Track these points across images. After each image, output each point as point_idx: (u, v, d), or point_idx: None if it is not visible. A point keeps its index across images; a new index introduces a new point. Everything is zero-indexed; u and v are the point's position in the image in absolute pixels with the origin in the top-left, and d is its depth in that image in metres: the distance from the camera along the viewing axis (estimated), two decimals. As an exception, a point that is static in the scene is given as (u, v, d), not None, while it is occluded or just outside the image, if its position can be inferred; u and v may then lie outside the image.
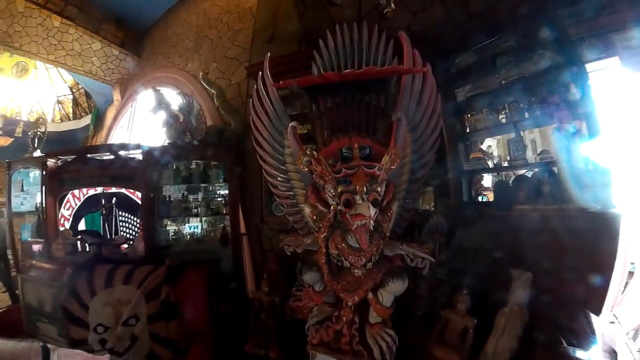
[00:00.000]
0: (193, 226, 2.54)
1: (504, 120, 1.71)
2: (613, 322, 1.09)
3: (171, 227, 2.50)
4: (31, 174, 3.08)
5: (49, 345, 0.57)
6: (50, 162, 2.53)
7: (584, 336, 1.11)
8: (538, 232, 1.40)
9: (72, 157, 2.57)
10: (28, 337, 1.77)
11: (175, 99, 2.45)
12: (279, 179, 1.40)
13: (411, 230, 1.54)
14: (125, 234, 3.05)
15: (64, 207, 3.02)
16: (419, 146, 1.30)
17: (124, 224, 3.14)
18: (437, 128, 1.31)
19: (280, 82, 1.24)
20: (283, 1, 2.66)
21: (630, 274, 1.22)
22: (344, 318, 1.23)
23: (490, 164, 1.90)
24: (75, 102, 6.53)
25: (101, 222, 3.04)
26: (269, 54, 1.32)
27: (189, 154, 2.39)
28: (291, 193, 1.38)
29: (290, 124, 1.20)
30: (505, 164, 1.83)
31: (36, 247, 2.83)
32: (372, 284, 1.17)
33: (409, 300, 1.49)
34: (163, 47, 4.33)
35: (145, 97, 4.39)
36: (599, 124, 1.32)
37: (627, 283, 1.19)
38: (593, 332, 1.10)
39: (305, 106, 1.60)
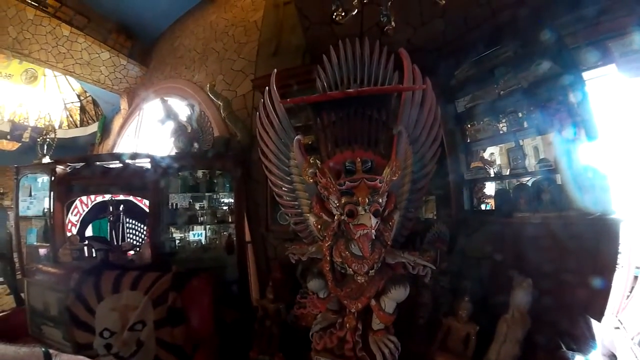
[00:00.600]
0: (199, 234, 2.59)
1: (504, 129, 1.73)
2: (618, 328, 1.10)
3: (177, 235, 2.55)
4: (39, 180, 3.15)
5: (50, 351, 0.56)
6: (59, 168, 2.59)
7: (583, 341, 1.12)
8: (538, 238, 1.41)
9: (81, 164, 2.64)
10: (32, 339, 1.80)
11: (183, 110, 2.53)
12: (284, 189, 1.45)
13: (413, 239, 1.57)
14: (132, 241, 3.10)
15: (72, 213, 3.08)
16: (419, 157, 1.35)
17: (131, 230, 3.20)
18: (438, 139, 1.36)
19: (288, 99, 1.30)
20: (287, 15, 2.75)
21: (635, 278, 1.24)
22: (347, 325, 1.26)
23: (491, 172, 1.91)
24: (83, 110, 6.66)
25: (108, 228, 3.10)
26: (275, 70, 1.39)
27: (196, 163, 2.46)
28: (296, 203, 1.42)
29: (295, 137, 1.26)
30: (507, 172, 1.85)
31: (42, 251, 2.87)
32: (374, 291, 1.20)
33: (411, 308, 1.51)
34: (170, 58, 4.44)
35: (152, 107, 4.49)
36: (597, 131, 1.34)
37: (632, 288, 1.20)
38: (593, 337, 1.11)
39: (309, 118, 1.66)
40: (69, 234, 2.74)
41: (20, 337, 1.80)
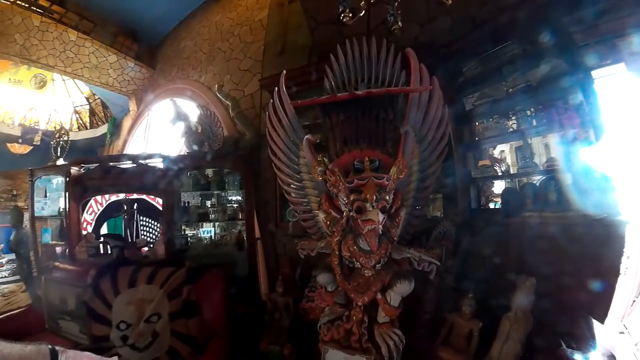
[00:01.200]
0: (210, 231, 2.66)
1: (514, 127, 1.72)
2: (622, 332, 1.09)
3: (190, 232, 2.62)
4: (54, 181, 3.26)
5: (57, 348, 0.56)
6: (74, 169, 2.69)
7: (583, 340, 1.13)
8: (543, 238, 1.41)
9: (95, 165, 2.73)
10: (49, 334, 1.86)
11: (193, 110, 2.59)
12: (292, 186, 1.49)
13: (420, 236, 1.59)
14: (146, 238, 3.20)
15: (87, 212, 3.19)
16: (426, 156, 1.37)
17: (144, 228, 3.30)
18: (445, 138, 1.38)
19: (299, 101, 1.33)
20: (292, 14, 2.76)
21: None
22: (354, 317, 1.30)
23: (499, 171, 1.90)
24: (92, 112, 6.79)
25: (123, 226, 3.20)
26: (284, 71, 1.42)
27: (207, 162, 2.51)
28: (305, 200, 1.46)
29: (305, 137, 1.30)
30: (515, 171, 1.84)
31: (58, 249, 2.99)
32: (380, 285, 1.24)
33: (416, 304, 1.54)
34: (177, 59, 4.49)
35: (161, 108, 4.56)
36: (605, 130, 1.33)
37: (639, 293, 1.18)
38: (593, 337, 1.11)
39: (316, 117, 1.69)
40: (84, 233, 2.84)
41: (37, 332, 1.87)
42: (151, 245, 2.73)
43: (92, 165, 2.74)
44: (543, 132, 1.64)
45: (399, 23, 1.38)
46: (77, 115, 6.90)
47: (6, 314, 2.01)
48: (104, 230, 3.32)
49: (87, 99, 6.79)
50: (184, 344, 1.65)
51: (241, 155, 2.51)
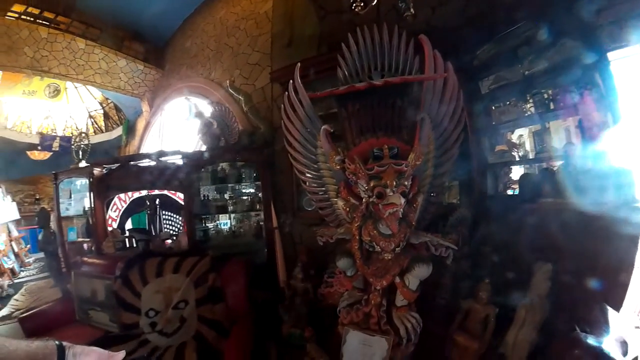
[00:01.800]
0: (229, 222, 2.76)
1: (532, 111, 1.65)
2: (638, 327, 1.08)
3: (210, 224, 2.73)
4: (77, 182, 3.43)
5: (64, 343, 0.56)
6: (96, 170, 2.82)
7: (597, 325, 1.13)
8: (560, 225, 1.38)
9: (116, 165, 2.85)
10: (79, 325, 1.97)
11: (207, 107, 2.65)
12: (309, 176, 1.52)
13: (436, 222, 1.60)
14: (169, 231, 3.36)
15: (111, 209, 3.36)
16: (442, 142, 1.37)
17: (167, 221, 3.46)
18: (460, 123, 1.37)
19: (318, 93, 1.35)
20: (297, 4, 2.72)
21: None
22: (372, 301, 1.34)
23: (516, 156, 1.84)
24: (106, 116, 7.01)
25: (147, 220, 3.36)
26: (299, 63, 1.44)
27: (224, 157, 2.59)
28: (323, 189, 1.50)
29: (322, 127, 1.32)
30: (532, 156, 1.79)
31: (85, 246, 3.16)
32: (399, 269, 1.27)
33: (432, 290, 1.55)
34: (184, 58, 4.51)
35: (173, 107, 4.65)
36: (623, 114, 1.29)
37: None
38: (607, 322, 1.11)
39: (330, 107, 1.70)
40: (110, 229, 3.00)
41: (67, 324, 1.99)
42: (174, 238, 2.86)
43: (113, 165, 2.86)
44: (561, 116, 1.59)
45: (411, 10, 1.37)
46: (92, 120, 7.15)
47: (36, 309, 2.12)
48: (128, 225, 3.50)
49: (101, 103, 7.00)
50: (210, 328, 1.75)
51: (256, 147, 2.56)
